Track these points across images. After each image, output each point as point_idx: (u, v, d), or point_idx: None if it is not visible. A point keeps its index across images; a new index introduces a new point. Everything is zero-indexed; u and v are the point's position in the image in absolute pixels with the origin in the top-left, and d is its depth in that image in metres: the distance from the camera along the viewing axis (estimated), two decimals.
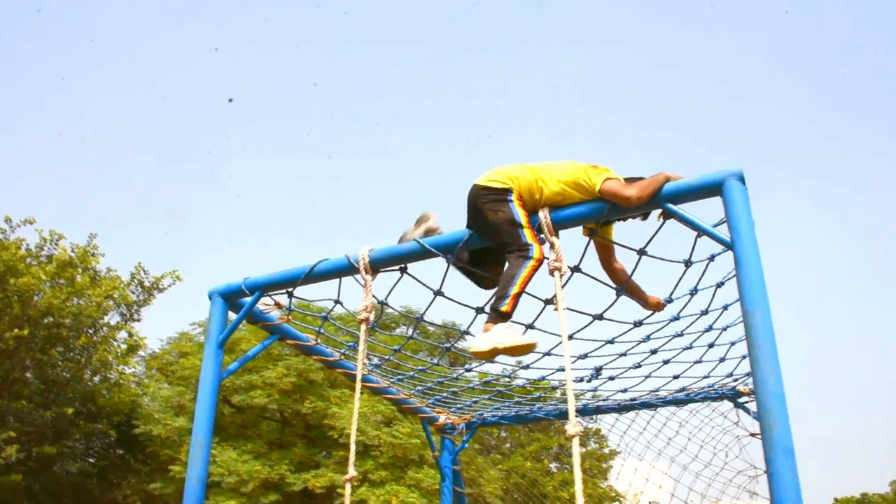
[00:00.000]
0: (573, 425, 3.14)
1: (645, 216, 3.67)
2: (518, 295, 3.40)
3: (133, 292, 15.21)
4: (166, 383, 16.63)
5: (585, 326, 4.35)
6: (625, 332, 4.59)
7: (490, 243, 3.71)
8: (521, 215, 3.55)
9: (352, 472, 3.64)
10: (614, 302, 4.08)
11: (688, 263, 3.89)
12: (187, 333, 17.94)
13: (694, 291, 4.23)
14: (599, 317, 4.23)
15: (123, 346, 15.26)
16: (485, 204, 3.61)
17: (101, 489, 16.24)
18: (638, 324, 4.40)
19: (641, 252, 3.74)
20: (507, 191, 3.61)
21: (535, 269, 3.43)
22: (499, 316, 3.41)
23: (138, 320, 15.51)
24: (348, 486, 3.60)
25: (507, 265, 3.52)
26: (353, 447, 3.79)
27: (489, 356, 3.40)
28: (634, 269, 3.90)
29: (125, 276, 15.18)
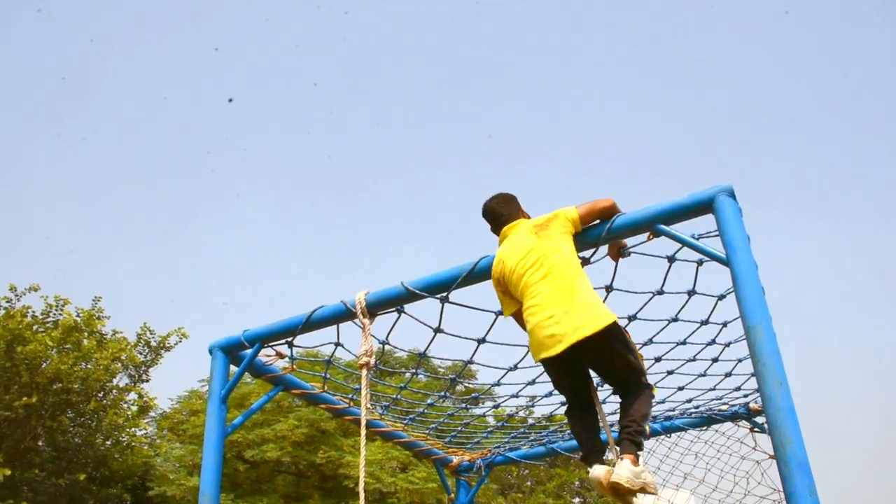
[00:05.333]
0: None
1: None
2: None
3: (140, 353, 15.16)
4: (178, 443, 16.50)
5: None
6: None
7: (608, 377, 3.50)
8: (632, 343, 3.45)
9: None
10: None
11: (691, 293, 3.90)
12: (197, 391, 17.88)
13: (691, 292, 4.17)
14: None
15: (134, 408, 15.15)
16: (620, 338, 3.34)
17: None
18: (632, 318, 4.33)
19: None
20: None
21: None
22: (638, 449, 3.23)
23: (147, 381, 15.43)
24: None
25: (630, 395, 3.34)
26: (362, 492, 3.72)
27: (633, 492, 3.15)
28: (614, 275, 3.86)
29: (131, 337, 15.15)
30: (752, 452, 6.24)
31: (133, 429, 15.36)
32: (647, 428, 3.28)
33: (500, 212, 3.67)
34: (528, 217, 3.69)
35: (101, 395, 14.50)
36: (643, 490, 3.16)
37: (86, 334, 14.33)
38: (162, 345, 15.22)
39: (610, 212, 3.51)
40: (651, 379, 5.37)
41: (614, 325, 3.22)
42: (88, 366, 13.93)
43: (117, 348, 14.40)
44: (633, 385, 3.34)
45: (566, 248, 3.37)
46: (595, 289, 3.42)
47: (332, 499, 16.44)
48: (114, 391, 14.86)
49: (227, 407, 4.45)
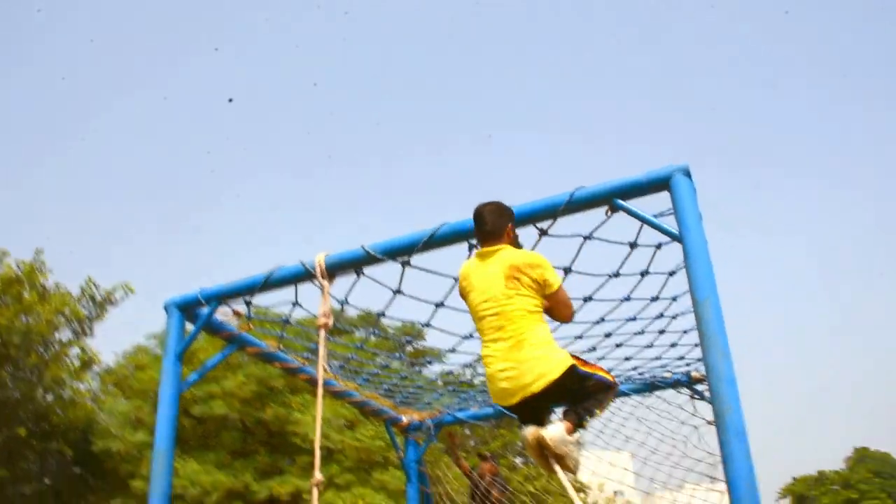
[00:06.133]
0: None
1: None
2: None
3: (84, 307, 14.89)
4: (123, 398, 16.32)
5: None
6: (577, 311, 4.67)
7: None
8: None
9: (318, 476, 3.64)
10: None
11: (633, 245, 3.96)
12: (143, 346, 17.62)
13: (644, 273, 4.30)
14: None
15: (76, 363, 14.92)
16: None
17: None
18: (587, 299, 4.47)
19: (587, 237, 3.81)
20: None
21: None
22: (579, 425, 3.35)
23: (91, 336, 15.20)
24: (315, 490, 3.60)
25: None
26: (317, 451, 3.80)
27: (555, 455, 3.29)
28: (577, 255, 3.96)
29: (75, 291, 14.85)
30: (691, 418, 6.51)
31: (76, 383, 15.16)
32: (598, 412, 3.41)
33: (487, 220, 3.51)
34: (514, 239, 3.59)
35: (42, 349, 14.24)
36: (564, 458, 3.27)
37: (27, 287, 13.99)
38: (107, 299, 14.97)
39: (566, 318, 3.61)
40: (600, 352, 5.56)
41: (565, 373, 3.28)
42: (29, 319, 13.64)
43: (60, 302, 14.12)
44: (598, 391, 3.48)
45: (528, 304, 3.34)
46: (555, 269, 3.48)
47: (278, 455, 16.52)
48: (56, 345, 14.60)
49: (181, 364, 4.45)
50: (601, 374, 3.48)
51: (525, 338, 3.28)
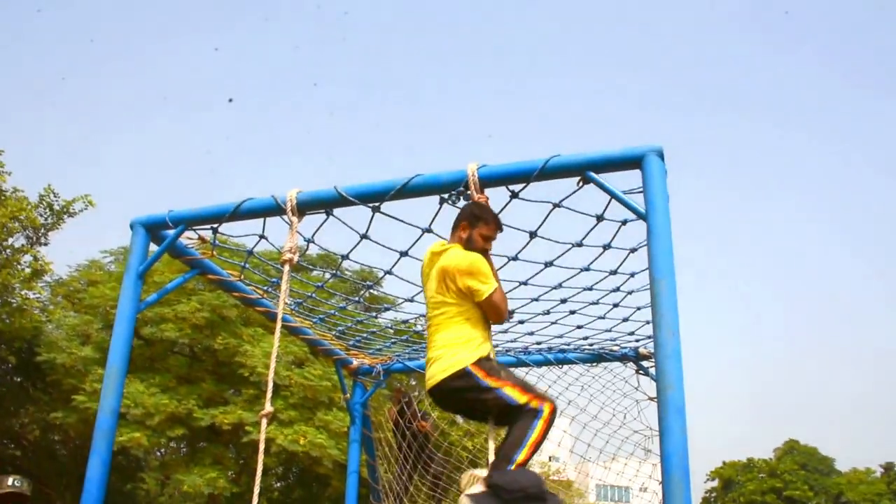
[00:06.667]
0: None
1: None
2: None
3: (41, 215, 14.60)
4: (73, 311, 16.16)
5: (500, 268, 4.52)
6: (536, 274, 4.79)
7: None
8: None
9: (269, 407, 3.72)
10: (527, 244, 4.29)
11: (600, 218, 4.05)
12: (97, 262, 17.41)
13: (607, 246, 4.41)
14: (514, 258, 4.44)
15: (28, 271, 14.67)
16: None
17: None
18: (549, 264, 4.59)
19: (556, 205, 3.89)
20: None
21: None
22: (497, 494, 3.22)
23: (45, 244, 14.93)
24: (264, 421, 3.68)
25: (509, 424, 3.40)
26: (270, 383, 3.87)
27: None
28: (545, 220, 4.03)
29: (34, 197, 14.53)
30: (634, 392, 6.75)
31: (25, 291, 14.92)
32: (523, 456, 3.26)
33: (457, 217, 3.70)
34: (467, 241, 3.61)
35: None
36: None
37: None
38: (66, 209, 14.69)
39: (496, 321, 3.62)
40: (553, 316, 5.68)
41: (456, 374, 3.38)
42: None
43: (17, 207, 13.82)
44: (508, 415, 3.39)
45: (451, 311, 3.51)
46: (519, 232, 3.59)
47: (224, 384, 16.60)
48: (8, 251, 14.32)
49: (142, 283, 4.46)
50: (509, 391, 3.37)
51: (438, 337, 3.52)
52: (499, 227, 3.71)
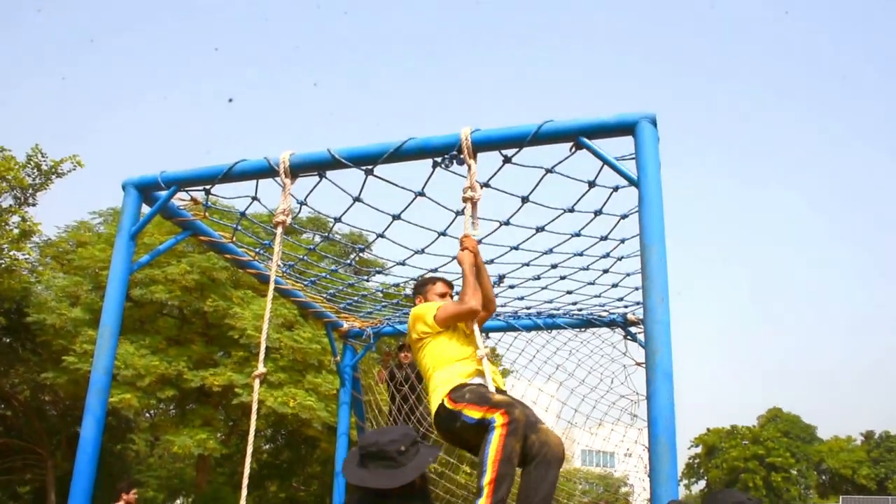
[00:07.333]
0: (481, 349, 3.51)
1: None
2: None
3: (29, 175, 14.48)
4: (62, 273, 16.11)
5: (492, 232, 4.57)
6: (528, 239, 4.82)
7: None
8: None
9: (262, 368, 3.76)
10: (519, 208, 4.30)
11: (591, 184, 4.07)
12: (86, 223, 17.32)
13: (598, 212, 4.43)
14: (506, 223, 4.46)
15: (16, 231, 14.58)
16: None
17: None
18: (540, 229, 4.62)
19: (549, 170, 3.91)
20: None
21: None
22: None
23: (33, 205, 14.84)
24: (257, 382, 3.72)
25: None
26: (263, 344, 3.90)
27: None
28: (537, 185, 4.06)
29: (21, 157, 14.39)
30: (622, 357, 6.83)
31: (14, 252, 14.86)
32: (488, 478, 3.04)
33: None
34: (423, 299, 3.93)
35: None
36: None
37: None
38: (54, 170, 14.57)
39: (472, 315, 3.58)
40: (543, 281, 5.72)
41: (437, 411, 3.44)
42: None
43: (4, 167, 13.70)
44: (478, 437, 3.24)
45: (420, 354, 3.68)
46: (510, 196, 3.66)
47: (213, 346, 16.68)
48: None
49: (135, 244, 4.46)
50: (467, 412, 3.27)
51: (427, 380, 3.63)
52: (442, 280, 4.05)
